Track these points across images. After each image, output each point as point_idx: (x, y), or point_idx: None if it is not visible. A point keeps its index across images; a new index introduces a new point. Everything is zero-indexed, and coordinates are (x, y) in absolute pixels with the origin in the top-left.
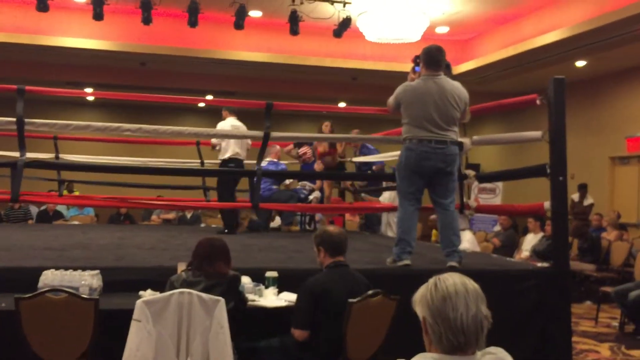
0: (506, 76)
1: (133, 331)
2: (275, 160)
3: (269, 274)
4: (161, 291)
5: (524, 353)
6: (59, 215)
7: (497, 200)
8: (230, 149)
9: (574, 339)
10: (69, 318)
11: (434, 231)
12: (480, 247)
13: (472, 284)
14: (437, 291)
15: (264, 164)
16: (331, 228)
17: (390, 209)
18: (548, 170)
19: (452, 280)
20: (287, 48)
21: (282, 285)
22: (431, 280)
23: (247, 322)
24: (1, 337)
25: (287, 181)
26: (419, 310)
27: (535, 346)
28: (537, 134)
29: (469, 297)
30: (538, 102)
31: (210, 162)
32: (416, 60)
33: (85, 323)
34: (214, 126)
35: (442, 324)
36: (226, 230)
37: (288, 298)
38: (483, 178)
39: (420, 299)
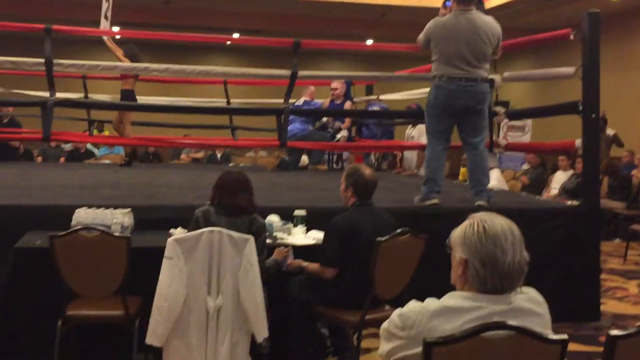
0: (538, 10)
1: (165, 268)
2: (309, 100)
3: (297, 212)
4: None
5: (552, 291)
6: (89, 154)
7: (526, 139)
8: None
9: (603, 276)
10: (102, 255)
11: (462, 169)
12: (508, 185)
13: (515, 227)
14: (487, 235)
15: (299, 103)
16: (365, 170)
17: (419, 148)
18: (580, 107)
19: (500, 223)
20: None
21: (310, 223)
22: (475, 222)
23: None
24: (38, 274)
25: (324, 119)
26: (462, 251)
27: (563, 283)
28: (569, 70)
29: (515, 241)
30: (572, 37)
31: (237, 101)
32: None
33: (118, 260)
34: (242, 65)
35: (491, 269)
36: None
37: (316, 236)
38: (513, 115)
39: (466, 241)
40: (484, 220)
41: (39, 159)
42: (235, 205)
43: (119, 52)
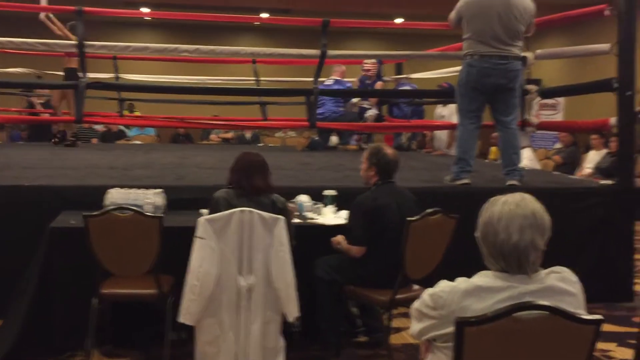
0: None
1: (196, 248)
2: (340, 79)
3: (327, 192)
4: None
5: (585, 271)
6: (121, 134)
7: (558, 117)
8: None
9: (636, 256)
10: (134, 235)
11: (492, 149)
12: (540, 164)
13: (526, 210)
14: (482, 215)
15: (329, 82)
16: (387, 150)
17: (450, 127)
18: (615, 85)
19: (501, 204)
20: None
21: (340, 203)
22: (489, 201)
23: (305, 239)
24: (73, 253)
25: (354, 100)
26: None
27: (597, 264)
28: (605, 46)
29: (512, 223)
30: (607, 12)
31: (266, 80)
32: None
33: (151, 240)
34: (271, 45)
35: (485, 247)
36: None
37: (346, 216)
38: (545, 93)
39: (478, 220)
40: (491, 201)
41: None
42: (252, 186)
43: (66, 30)
